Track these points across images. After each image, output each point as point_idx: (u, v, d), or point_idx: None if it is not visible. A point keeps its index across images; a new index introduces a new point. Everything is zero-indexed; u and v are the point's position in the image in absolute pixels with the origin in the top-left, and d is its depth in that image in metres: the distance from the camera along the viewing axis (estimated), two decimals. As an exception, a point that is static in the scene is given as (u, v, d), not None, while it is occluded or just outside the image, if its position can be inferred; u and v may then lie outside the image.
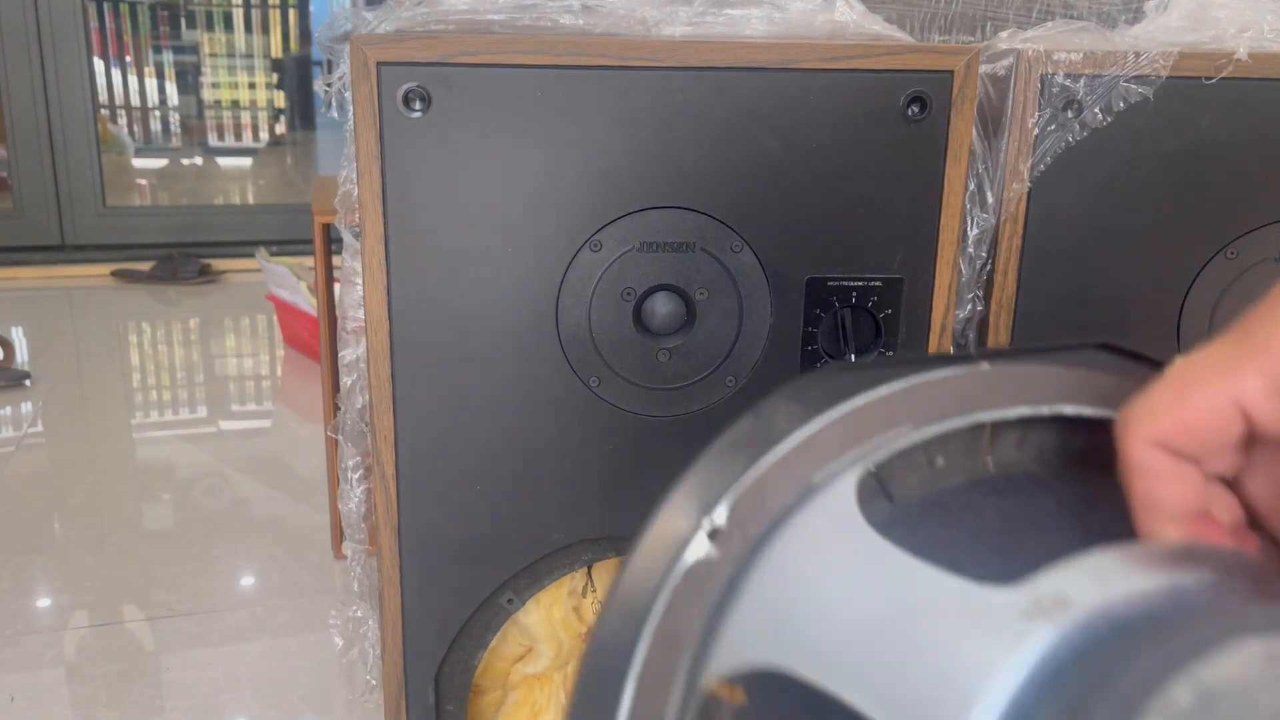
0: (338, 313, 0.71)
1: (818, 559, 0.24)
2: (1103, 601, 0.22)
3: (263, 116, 3.48)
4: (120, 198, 3.10)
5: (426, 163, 0.58)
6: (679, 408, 0.62)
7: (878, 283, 0.61)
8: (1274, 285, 0.24)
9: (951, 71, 0.59)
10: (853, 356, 0.60)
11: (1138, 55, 0.62)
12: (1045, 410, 0.27)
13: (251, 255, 2.30)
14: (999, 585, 0.23)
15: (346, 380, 0.70)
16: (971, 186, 0.65)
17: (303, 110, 3.48)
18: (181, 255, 2.81)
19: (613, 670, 0.24)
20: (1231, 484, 0.26)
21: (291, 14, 3.35)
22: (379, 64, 0.56)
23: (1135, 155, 0.64)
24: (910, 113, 0.59)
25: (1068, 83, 0.62)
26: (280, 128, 3.52)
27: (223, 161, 3.47)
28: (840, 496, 0.25)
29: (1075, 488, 0.27)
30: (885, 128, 0.59)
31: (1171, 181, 0.65)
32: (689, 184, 0.58)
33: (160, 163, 3.42)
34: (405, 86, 0.57)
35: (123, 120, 3.32)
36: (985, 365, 0.27)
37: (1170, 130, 0.64)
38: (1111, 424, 0.26)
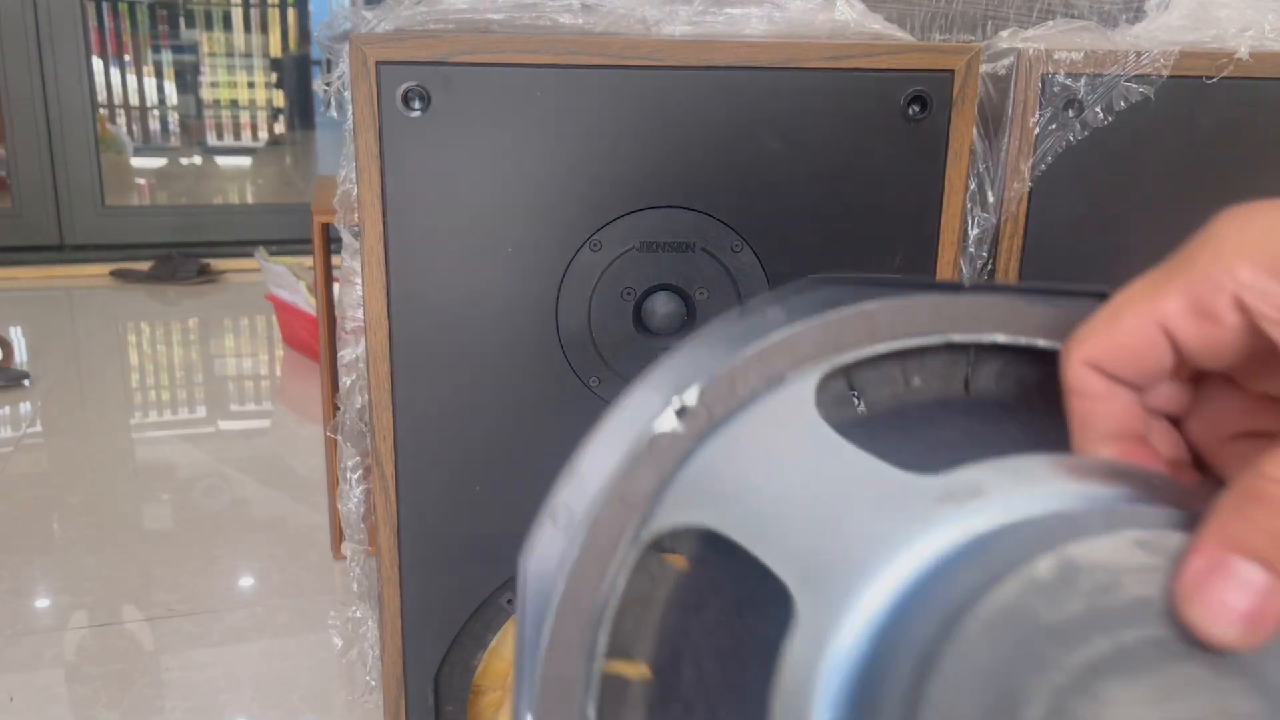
0: (337, 312, 0.71)
1: (767, 438, 0.26)
2: (1016, 495, 0.23)
3: (262, 116, 3.48)
4: (119, 197, 3.10)
5: (426, 162, 0.58)
6: (679, 408, 0.62)
7: (878, 282, 0.61)
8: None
9: (952, 71, 0.59)
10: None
11: (1139, 54, 0.62)
12: (1023, 340, 0.28)
13: (250, 255, 2.30)
14: (922, 473, 0.24)
15: (346, 380, 0.70)
16: (972, 186, 0.65)
17: (302, 110, 3.48)
18: (180, 255, 2.81)
19: (566, 525, 0.26)
20: (1179, 425, 0.27)
21: (291, 13, 3.35)
22: (378, 63, 0.56)
23: (1136, 155, 0.64)
24: (911, 112, 0.59)
25: (1069, 82, 0.62)
26: (279, 127, 3.52)
27: (222, 161, 3.47)
28: (802, 388, 0.26)
29: (1046, 419, 0.28)
30: (886, 127, 0.59)
31: (1172, 181, 0.65)
32: (689, 184, 0.58)
33: (159, 162, 3.42)
34: (404, 86, 0.57)
35: (121, 120, 3.32)
36: (977, 295, 0.28)
37: (1171, 130, 0.64)
38: None
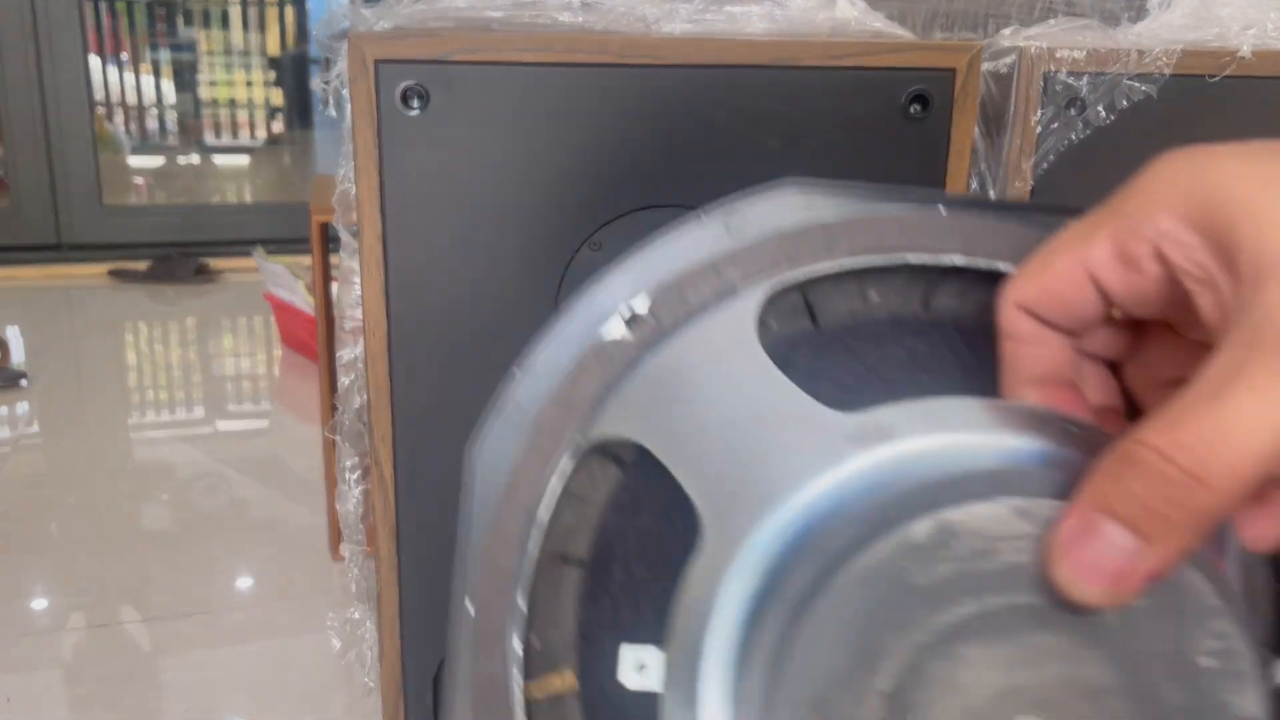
0: (335, 312, 0.71)
1: (705, 355, 0.26)
2: (922, 442, 0.24)
3: (260, 115, 3.48)
4: (117, 197, 3.09)
5: (425, 161, 0.57)
6: (679, 408, 0.61)
7: (879, 282, 0.61)
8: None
9: (954, 69, 0.58)
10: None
11: (1141, 53, 0.62)
12: (981, 264, 0.27)
13: (249, 254, 2.30)
14: (841, 410, 0.24)
15: (344, 380, 0.69)
16: (974, 185, 0.64)
17: (300, 108, 3.48)
18: (179, 254, 2.81)
19: (516, 423, 0.27)
20: (1119, 370, 0.27)
21: (289, 11, 3.35)
22: (377, 61, 0.56)
23: (1138, 153, 0.63)
24: (912, 111, 0.58)
25: (1070, 81, 0.62)
26: (278, 126, 3.52)
27: (220, 160, 3.46)
28: (746, 305, 0.26)
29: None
30: (887, 126, 0.58)
31: (1175, 180, 0.64)
32: (689, 183, 0.58)
33: (157, 161, 3.41)
34: (403, 84, 0.56)
35: (119, 119, 3.31)
36: (942, 209, 0.27)
37: (1173, 128, 0.63)
38: None
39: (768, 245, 0.27)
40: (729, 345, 0.26)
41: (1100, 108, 0.62)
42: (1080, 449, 0.23)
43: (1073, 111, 0.62)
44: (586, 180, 0.58)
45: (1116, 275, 0.23)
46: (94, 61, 2.92)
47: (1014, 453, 0.24)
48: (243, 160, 3.50)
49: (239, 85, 3.41)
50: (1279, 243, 0.20)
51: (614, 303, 0.27)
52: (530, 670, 0.28)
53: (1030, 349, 0.25)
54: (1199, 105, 0.63)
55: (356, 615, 0.75)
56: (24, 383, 1.99)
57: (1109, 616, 0.22)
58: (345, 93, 0.60)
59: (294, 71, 3.42)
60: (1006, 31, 0.66)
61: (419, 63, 0.55)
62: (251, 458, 1.73)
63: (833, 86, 0.57)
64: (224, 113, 3.44)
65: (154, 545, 1.42)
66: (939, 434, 0.24)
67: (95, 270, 2.78)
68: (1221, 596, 0.22)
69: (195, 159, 3.43)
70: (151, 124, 3.39)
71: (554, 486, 0.27)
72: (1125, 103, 0.62)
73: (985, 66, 0.64)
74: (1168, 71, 0.62)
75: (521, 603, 0.27)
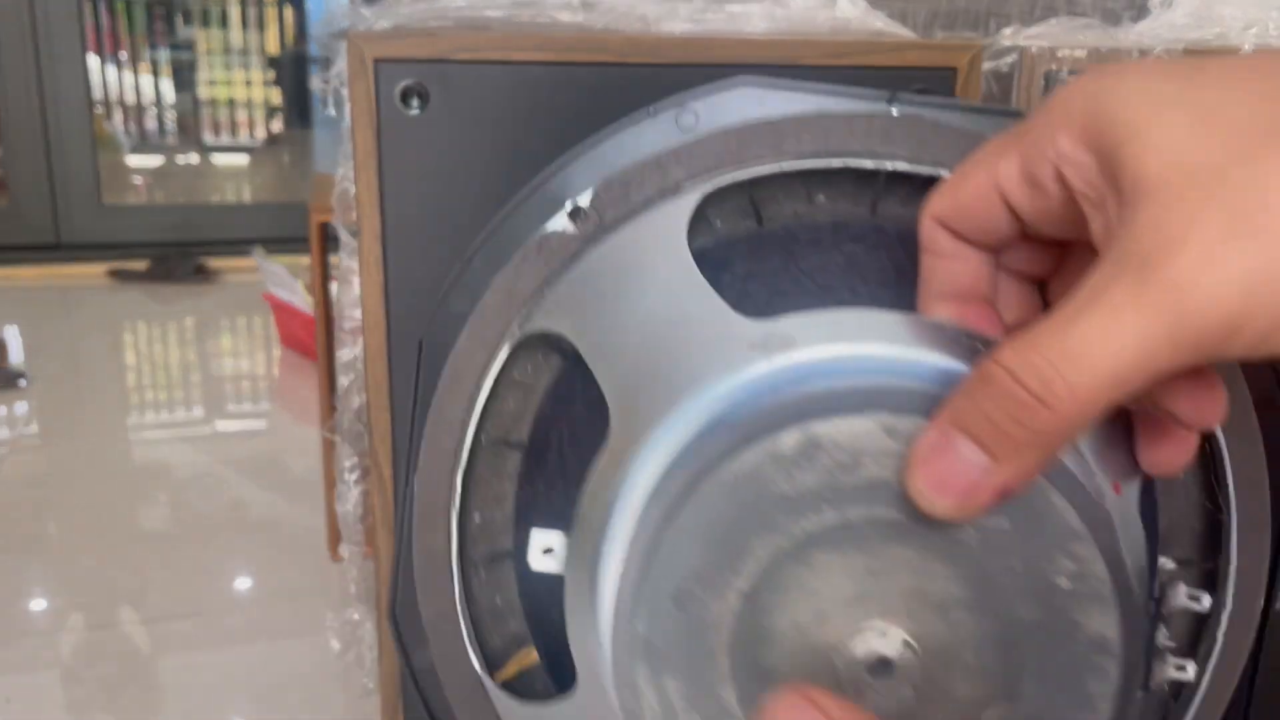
0: (335, 312, 0.70)
1: (635, 255, 0.27)
2: (821, 352, 0.24)
3: (259, 114, 3.47)
4: (116, 196, 3.09)
5: (425, 160, 0.57)
6: (680, 409, 0.61)
7: (880, 282, 0.60)
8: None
9: (955, 69, 0.58)
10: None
11: (1142, 52, 0.62)
12: (925, 170, 0.28)
13: (248, 254, 2.30)
14: (751, 318, 0.25)
15: (344, 380, 0.69)
16: (975, 185, 0.64)
17: (299, 108, 3.47)
18: (178, 254, 2.81)
19: (457, 315, 0.29)
20: (1043, 288, 0.26)
21: (288, 10, 3.35)
22: (376, 61, 0.56)
23: (1140, 153, 0.63)
24: (914, 110, 0.58)
25: (1072, 79, 0.62)
26: (277, 125, 3.52)
27: (219, 159, 3.46)
28: (680, 208, 0.27)
29: None
30: (888, 125, 0.58)
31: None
32: (690, 182, 0.58)
33: (156, 161, 3.41)
34: (403, 83, 0.56)
35: (118, 118, 3.31)
36: (893, 110, 0.28)
37: (1175, 128, 0.63)
38: None
39: (714, 143, 0.27)
40: (658, 245, 0.27)
41: (1102, 107, 0.62)
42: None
43: (1074, 111, 0.62)
44: (586, 180, 0.57)
45: (1023, 195, 0.22)
46: (93, 61, 2.92)
47: (911, 367, 0.24)
48: (242, 160, 3.50)
49: (238, 84, 3.41)
50: (1159, 164, 0.19)
51: (563, 195, 0.27)
52: (468, 541, 0.30)
53: (947, 264, 0.24)
54: (1201, 105, 0.63)
55: (356, 616, 0.75)
56: (22, 383, 1.98)
57: (968, 534, 0.22)
58: (344, 92, 0.60)
59: (293, 71, 3.42)
60: (1007, 31, 0.66)
61: (419, 62, 0.55)
62: (250, 458, 1.73)
63: (834, 86, 0.57)
64: (223, 112, 3.43)
65: (153, 546, 1.42)
66: (839, 345, 0.24)
67: (94, 270, 2.77)
68: (1084, 520, 0.22)
69: (194, 158, 3.43)
70: (150, 123, 3.39)
71: (493, 374, 0.28)
72: (1127, 102, 0.62)
73: (986, 66, 0.64)
74: (1170, 71, 0.62)
75: (459, 482, 0.28)
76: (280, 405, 2.02)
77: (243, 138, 3.47)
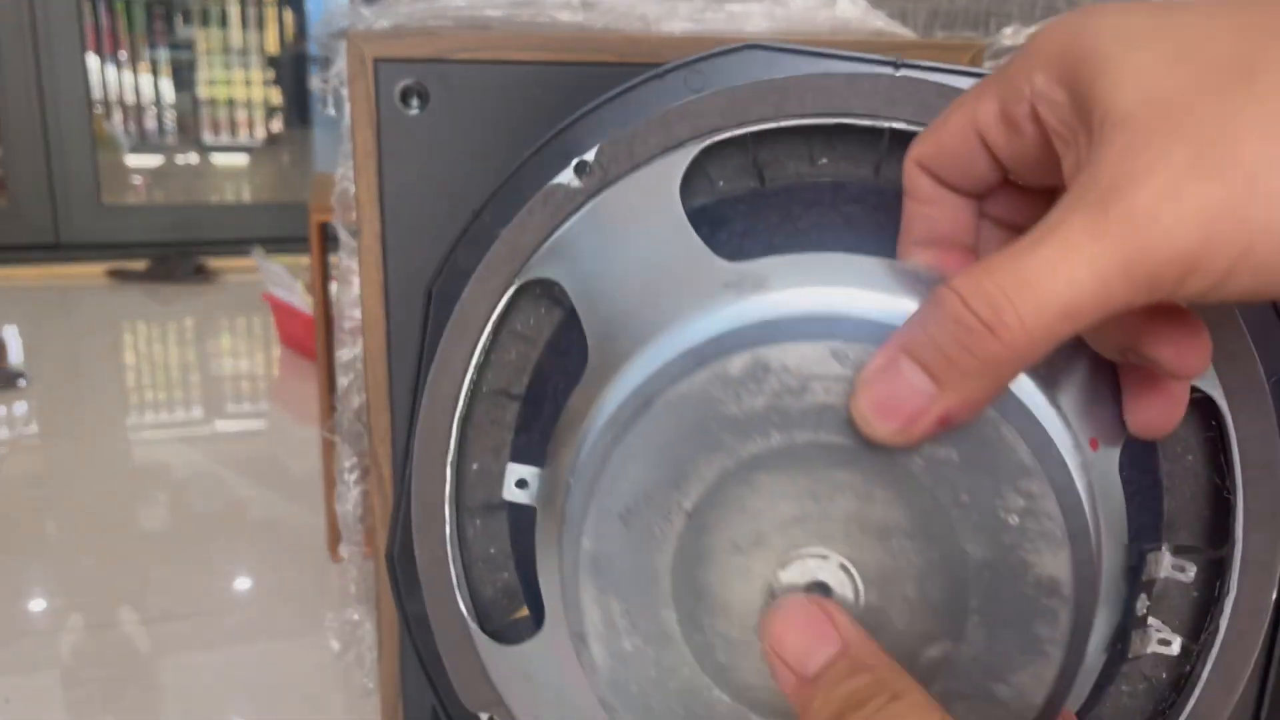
0: (334, 312, 0.70)
1: (630, 206, 0.27)
2: (792, 292, 0.25)
3: (259, 114, 3.47)
4: (115, 196, 3.09)
5: (424, 160, 0.57)
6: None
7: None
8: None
9: (956, 68, 0.58)
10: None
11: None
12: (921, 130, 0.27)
13: (247, 254, 2.30)
14: (728, 260, 0.26)
15: (343, 380, 0.69)
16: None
17: (299, 107, 3.47)
18: (177, 254, 2.80)
19: (465, 267, 0.29)
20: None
21: (287, 10, 3.34)
22: (376, 60, 0.56)
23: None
24: (914, 110, 0.58)
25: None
26: (276, 125, 3.51)
27: (218, 159, 3.46)
28: (678, 162, 0.27)
29: None
30: (889, 125, 0.58)
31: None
32: (690, 182, 0.58)
33: (156, 161, 3.41)
34: (403, 83, 0.56)
35: (118, 118, 3.31)
36: (896, 71, 0.28)
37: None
38: None
39: (718, 102, 0.27)
40: (652, 195, 0.27)
41: (1102, 107, 0.62)
42: None
43: (1075, 111, 0.62)
44: (587, 180, 0.57)
45: (1001, 135, 0.22)
46: (92, 60, 2.92)
47: (877, 309, 0.24)
48: (241, 159, 3.50)
49: (238, 84, 3.40)
50: (1129, 98, 0.19)
51: (571, 152, 0.28)
52: (465, 489, 0.30)
53: (927, 209, 0.24)
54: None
55: (355, 616, 0.75)
56: (22, 383, 1.98)
57: (915, 464, 0.22)
58: (344, 92, 0.60)
59: (293, 70, 3.41)
60: (1008, 30, 0.66)
61: (418, 62, 0.55)
62: (250, 458, 1.73)
63: (834, 85, 0.57)
64: (223, 112, 3.43)
65: (152, 546, 1.42)
66: (810, 287, 0.24)
67: (93, 270, 2.77)
68: (1036, 457, 0.22)
69: (194, 158, 3.43)
70: (150, 123, 3.38)
71: (494, 323, 0.29)
72: (1127, 102, 0.62)
73: (986, 65, 0.64)
74: (1170, 70, 0.61)
75: (456, 428, 0.29)
76: (280, 405, 2.02)
77: (242, 137, 3.47)
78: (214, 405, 1.98)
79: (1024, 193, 0.24)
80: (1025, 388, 0.23)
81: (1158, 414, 0.24)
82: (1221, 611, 0.27)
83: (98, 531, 1.45)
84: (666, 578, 0.24)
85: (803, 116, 0.27)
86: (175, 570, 1.34)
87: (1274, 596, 0.26)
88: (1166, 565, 0.26)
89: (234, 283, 2.76)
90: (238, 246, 2.76)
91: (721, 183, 0.29)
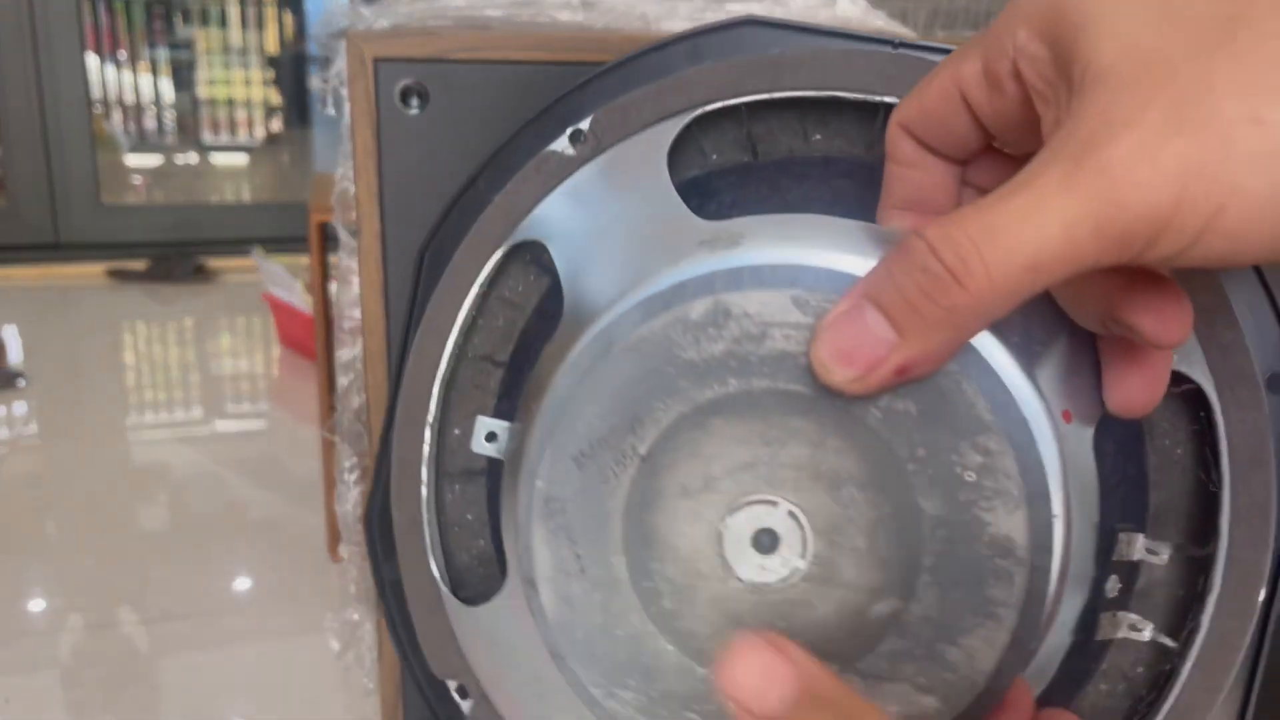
0: (334, 312, 0.70)
1: (618, 171, 0.27)
2: (765, 250, 0.24)
3: (258, 114, 3.47)
4: (115, 196, 3.09)
5: (424, 160, 0.57)
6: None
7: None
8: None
9: (956, 68, 0.58)
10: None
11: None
12: None
13: (247, 254, 2.29)
14: (705, 219, 0.26)
15: (343, 380, 0.69)
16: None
17: (299, 107, 3.47)
18: (177, 254, 2.80)
19: (458, 232, 0.29)
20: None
21: (287, 10, 3.34)
22: (376, 60, 0.56)
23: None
24: (914, 110, 0.58)
25: None
26: (276, 125, 3.51)
27: (218, 159, 3.46)
28: (667, 130, 0.27)
29: None
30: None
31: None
32: (690, 182, 0.58)
33: (155, 160, 3.41)
34: (402, 83, 0.56)
35: (117, 118, 3.30)
36: (893, 49, 0.28)
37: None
38: None
39: (713, 73, 0.27)
40: (640, 161, 0.27)
41: (1103, 106, 0.62)
42: None
43: (1075, 110, 0.62)
44: (587, 179, 0.57)
45: (982, 94, 0.22)
46: (92, 60, 2.92)
47: (845, 265, 0.23)
48: (241, 159, 3.50)
49: (237, 84, 3.40)
50: (1110, 53, 0.18)
51: (567, 121, 0.28)
52: (445, 453, 0.30)
53: (909, 173, 0.24)
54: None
55: (355, 617, 0.74)
56: (21, 383, 1.98)
57: (871, 414, 0.22)
58: (344, 91, 0.60)
59: (292, 70, 3.41)
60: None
61: (418, 61, 0.55)
62: (249, 458, 1.73)
63: (834, 85, 0.57)
64: (222, 112, 3.43)
65: (152, 546, 1.42)
66: (782, 246, 0.24)
67: (93, 270, 2.77)
68: (995, 414, 0.21)
69: (193, 158, 3.43)
70: (149, 123, 3.38)
71: (482, 286, 0.29)
72: (1128, 101, 0.62)
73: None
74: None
75: (438, 391, 0.29)
76: (280, 405, 2.02)
77: (242, 137, 3.47)
78: (214, 405, 1.98)
79: (1006, 160, 0.24)
80: (992, 349, 0.23)
81: (1137, 391, 0.24)
82: (1204, 609, 0.26)
83: (97, 531, 1.45)
84: (618, 522, 0.24)
85: (796, 89, 0.27)
86: (175, 570, 1.34)
87: (1261, 596, 0.26)
88: (1140, 548, 0.25)
89: (234, 283, 2.76)
90: (237, 246, 2.76)
91: (715, 156, 0.29)
